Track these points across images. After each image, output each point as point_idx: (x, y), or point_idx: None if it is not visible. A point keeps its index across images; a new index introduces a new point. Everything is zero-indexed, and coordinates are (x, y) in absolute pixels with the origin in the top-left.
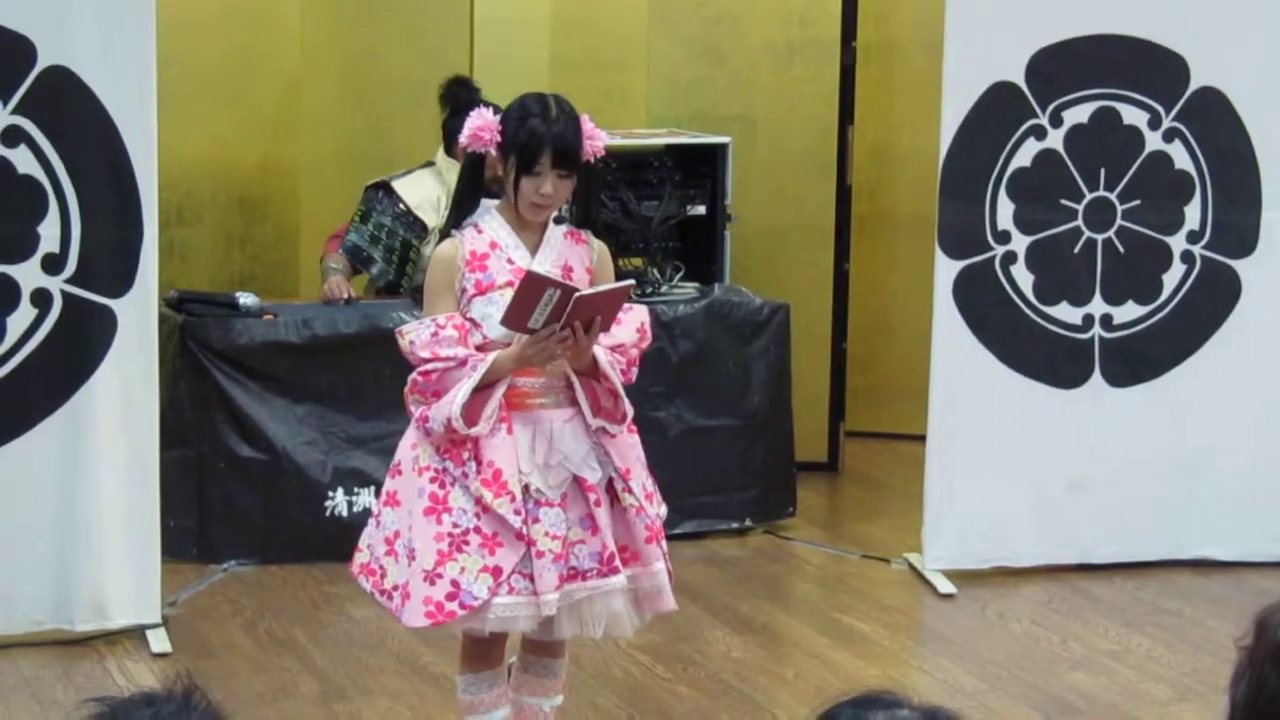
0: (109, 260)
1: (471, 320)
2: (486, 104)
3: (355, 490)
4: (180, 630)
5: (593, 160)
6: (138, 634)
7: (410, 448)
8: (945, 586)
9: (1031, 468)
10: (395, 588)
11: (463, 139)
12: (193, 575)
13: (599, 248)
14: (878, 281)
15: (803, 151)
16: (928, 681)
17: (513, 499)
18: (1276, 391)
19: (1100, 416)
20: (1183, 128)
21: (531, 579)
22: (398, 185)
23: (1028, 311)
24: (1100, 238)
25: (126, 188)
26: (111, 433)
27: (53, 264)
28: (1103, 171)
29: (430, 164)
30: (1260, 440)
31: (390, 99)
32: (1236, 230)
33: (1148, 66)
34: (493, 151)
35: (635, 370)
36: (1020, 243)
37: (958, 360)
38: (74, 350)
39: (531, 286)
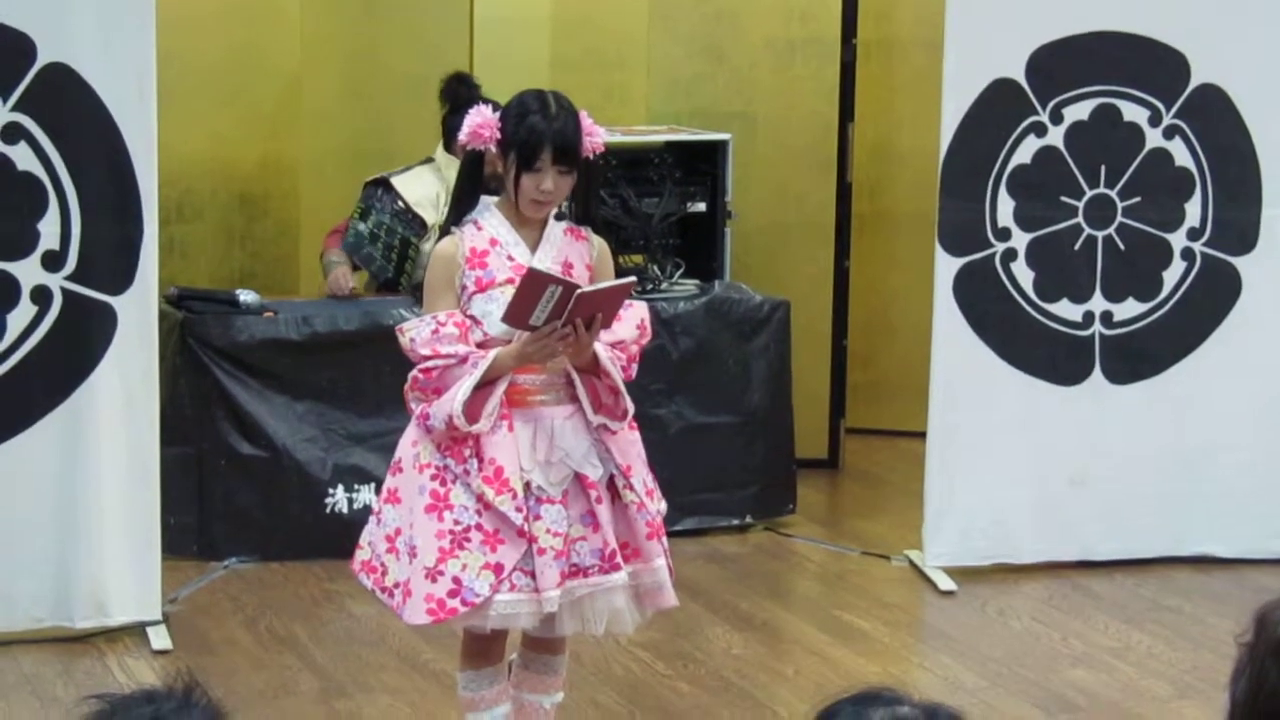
0: (109, 257)
1: (472, 317)
2: (486, 101)
3: (355, 487)
4: (181, 627)
5: (592, 157)
6: (138, 631)
7: (411, 445)
8: (946, 583)
9: (1032, 465)
10: (396, 585)
11: (462, 136)
12: (193, 572)
13: (599, 244)
14: (878, 278)
15: (803, 149)
16: (928, 678)
17: (514, 496)
18: (1277, 388)
19: (1100, 413)
20: (1183, 125)
21: (533, 576)
22: (397, 182)
23: (1028, 308)
24: (1100, 235)
25: (126, 185)
26: (112, 430)
27: (53, 261)
28: (1103, 168)
29: (429, 160)
30: (1260, 437)
31: (390, 96)
32: (1237, 227)
33: (1148, 63)
34: (492, 149)
35: (635, 367)
36: (1020, 240)
37: (958, 357)
38: (74, 347)
39: (533, 283)
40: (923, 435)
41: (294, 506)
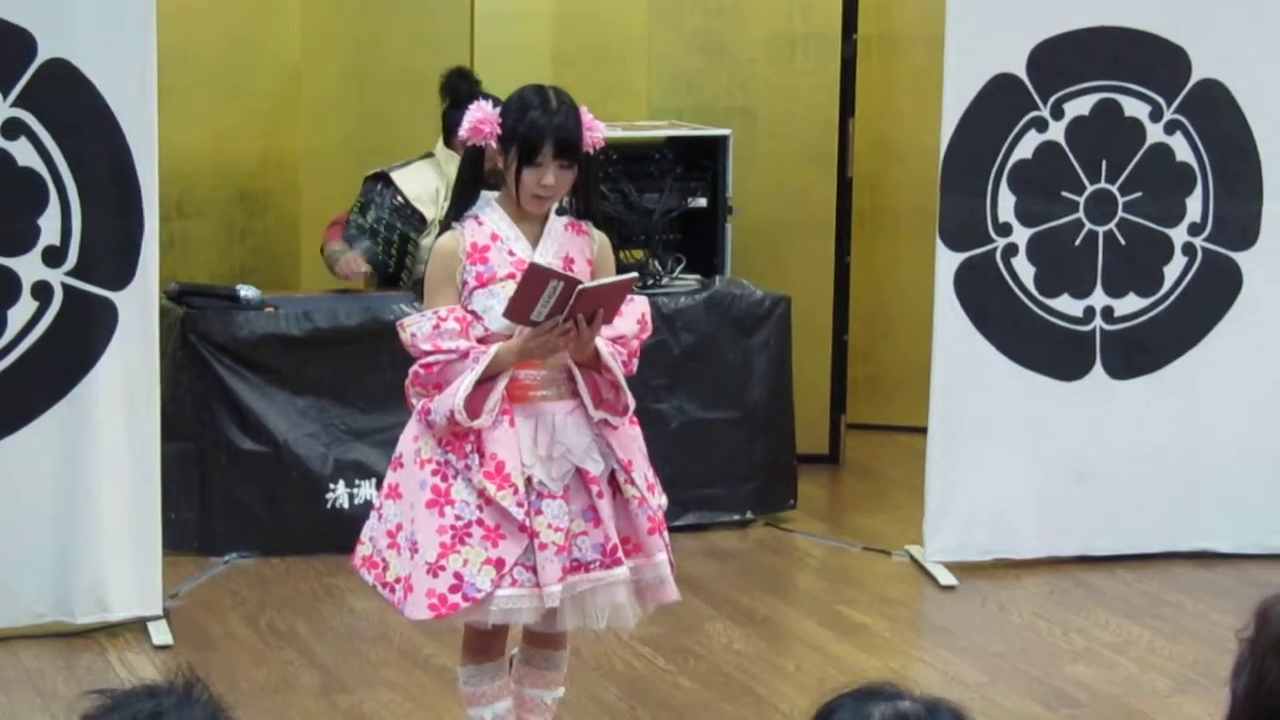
0: (110, 253)
1: (473, 313)
2: (486, 96)
3: (356, 483)
4: (181, 622)
5: (592, 152)
6: (139, 626)
7: (412, 440)
8: (946, 578)
9: (1032, 460)
10: (398, 580)
11: (463, 132)
12: (194, 568)
13: (600, 239)
14: (879, 274)
15: (804, 144)
16: (929, 673)
17: (515, 491)
18: (1277, 383)
19: (1101, 409)
20: (1184, 120)
21: (534, 571)
22: (396, 176)
23: (1029, 304)
24: (1101, 230)
25: (127, 180)
26: (113, 425)
27: (53, 256)
28: (1104, 164)
29: (429, 155)
30: (1261, 432)
31: (391, 90)
32: (1238, 222)
33: (1149, 58)
34: (493, 144)
35: (636, 361)
36: (1021, 235)
37: (959, 352)
38: (75, 343)
39: (534, 279)
40: (923, 430)
41: (295, 502)
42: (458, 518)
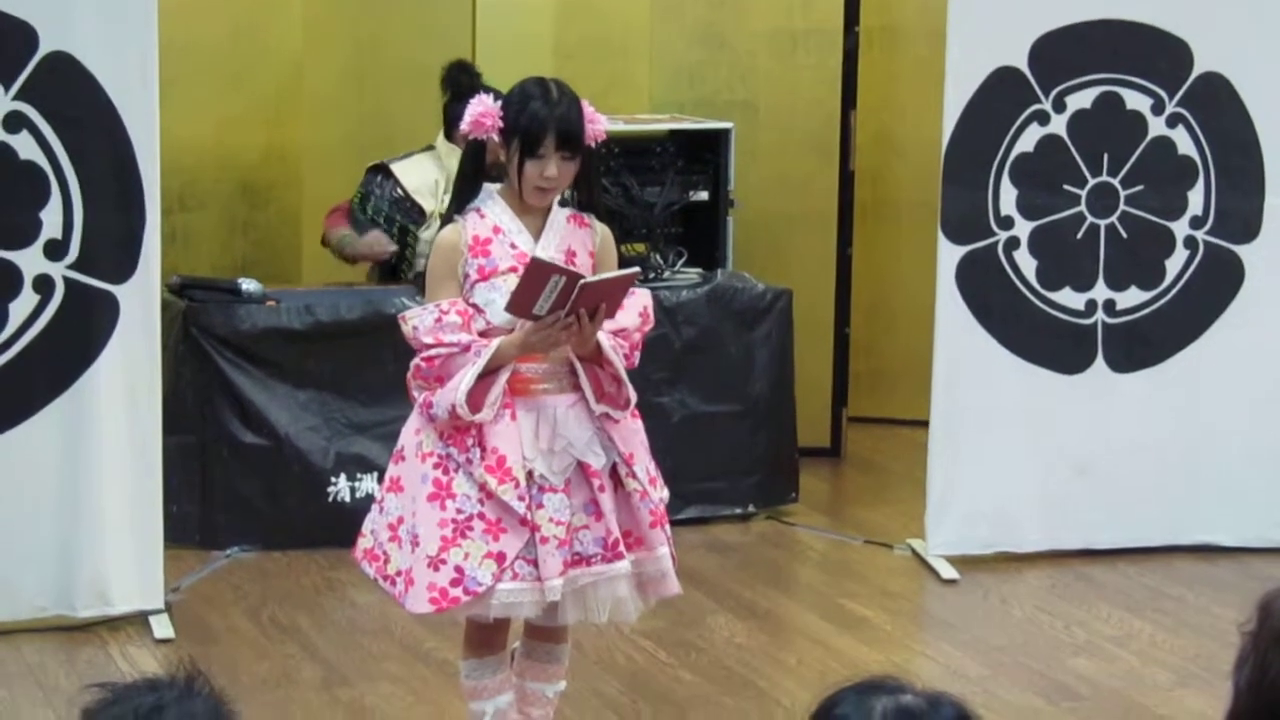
0: (111, 246)
1: (475, 306)
2: (487, 89)
3: (358, 476)
4: (183, 616)
5: (594, 144)
6: (141, 620)
7: (414, 433)
8: (948, 572)
9: (1034, 453)
10: (399, 573)
11: (464, 126)
12: (195, 561)
13: (602, 231)
14: (880, 267)
15: (805, 137)
16: (931, 667)
17: (516, 485)
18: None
19: (1103, 402)
20: (1186, 113)
21: (535, 565)
22: (396, 168)
23: (1031, 297)
24: (1103, 223)
25: (128, 173)
26: (114, 419)
27: (55, 250)
28: (1106, 157)
29: (430, 148)
30: (1263, 426)
31: (393, 83)
32: (1240, 215)
33: (1151, 51)
34: (495, 138)
35: (638, 354)
36: (1023, 228)
37: (960, 346)
38: (76, 336)
39: (536, 273)
40: (925, 424)
41: (296, 495)
42: (459, 511)
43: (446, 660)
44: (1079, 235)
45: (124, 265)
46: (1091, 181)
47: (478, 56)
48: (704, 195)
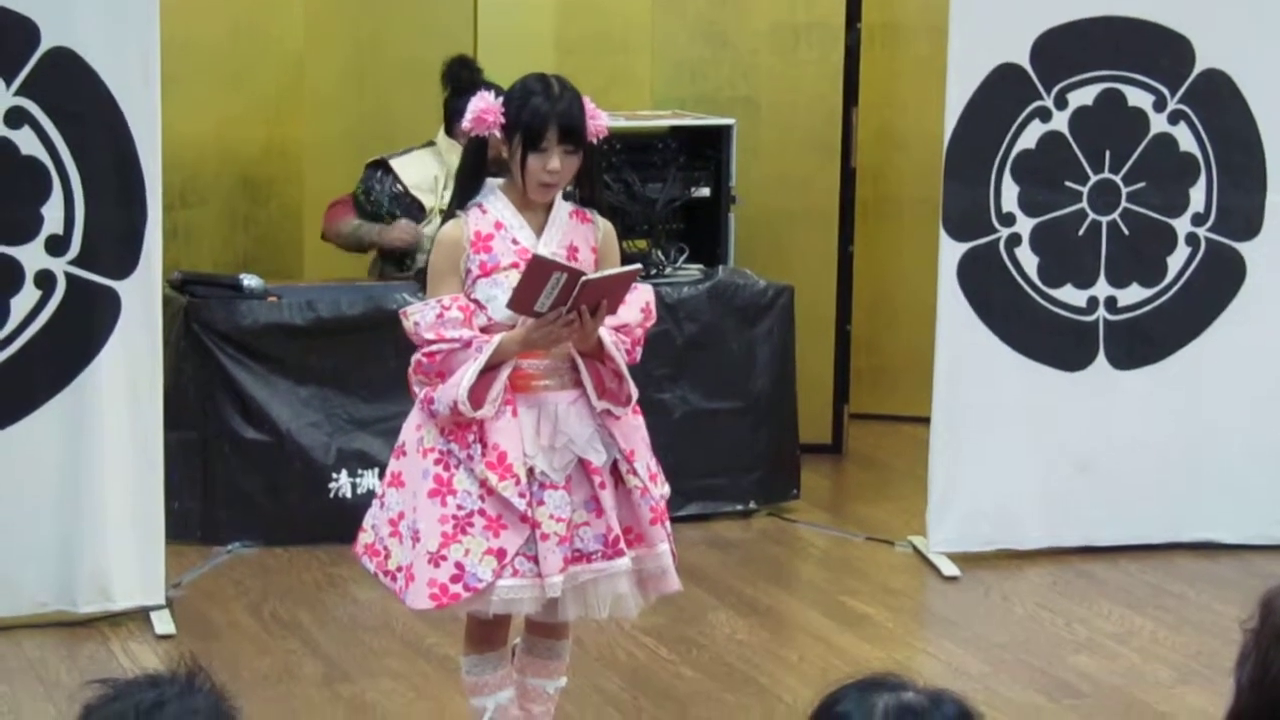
0: (113, 242)
1: (476, 301)
2: (488, 85)
3: (359, 472)
4: (184, 612)
5: (595, 141)
6: (142, 616)
7: (415, 429)
8: (949, 569)
9: (1035, 450)
10: (399, 569)
11: (466, 123)
12: (197, 557)
13: (604, 226)
14: (882, 264)
15: (807, 134)
16: (932, 664)
17: (517, 481)
18: None
19: (1105, 399)
20: (1188, 110)
21: (536, 561)
22: (396, 164)
23: (1032, 294)
24: (1105, 220)
25: (130, 169)
26: (115, 415)
27: (56, 245)
28: (1107, 154)
29: (431, 144)
30: (1265, 423)
31: (395, 79)
32: (1241, 213)
33: (1153, 48)
34: (496, 134)
35: (639, 350)
36: (1025, 225)
37: (962, 342)
38: (78, 332)
39: (538, 270)
40: (927, 420)
41: (297, 491)
42: (459, 507)
43: (447, 656)
44: (1080, 232)
45: (125, 261)
46: (1093, 178)
47: (479, 53)
48: (705, 191)
